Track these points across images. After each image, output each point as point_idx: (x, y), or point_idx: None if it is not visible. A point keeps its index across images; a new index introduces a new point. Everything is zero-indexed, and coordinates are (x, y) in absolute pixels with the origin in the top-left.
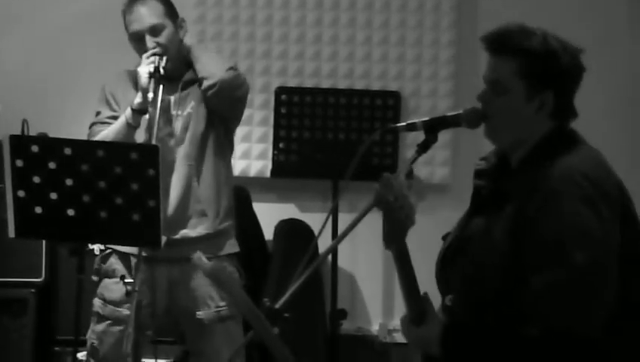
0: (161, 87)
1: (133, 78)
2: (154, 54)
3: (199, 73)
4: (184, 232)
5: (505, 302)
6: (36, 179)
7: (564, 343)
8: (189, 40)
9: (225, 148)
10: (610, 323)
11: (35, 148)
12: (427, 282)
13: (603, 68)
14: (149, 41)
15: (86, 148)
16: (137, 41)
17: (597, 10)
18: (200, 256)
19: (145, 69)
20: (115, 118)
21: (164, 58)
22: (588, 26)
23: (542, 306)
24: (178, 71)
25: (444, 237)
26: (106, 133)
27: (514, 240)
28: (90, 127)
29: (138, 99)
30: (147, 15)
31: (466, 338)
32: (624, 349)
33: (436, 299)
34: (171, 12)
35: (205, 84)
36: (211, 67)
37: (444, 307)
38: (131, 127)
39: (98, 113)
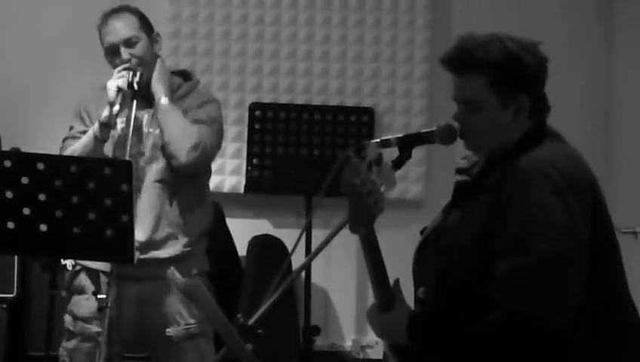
0: (135, 102)
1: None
2: (127, 68)
3: (163, 140)
4: (154, 253)
5: (471, 290)
6: (9, 194)
7: (525, 328)
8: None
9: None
10: (577, 314)
11: (7, 163)
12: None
13: (578, 65)
14: (124, 52)
15: (59, 163)
16: (112, 54)
17: (572, 8)
18: (174, 272)
19: (114, 83)
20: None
21: (138, 73)
22: (562, 23)
23: (505, 290)
24: (147, 71)
25: (421, 232)
26: (75, 147)
27: (484, 229)
28: (63, 142)
29: (105, 112)
30: (122, 28)
31: (431, 326)
32: (588, 341)
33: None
34: (146, 26)
35: (168, 158)
36: (175, 144)
37: (417, 299)
38: (98, 140)
39: (71, 128)
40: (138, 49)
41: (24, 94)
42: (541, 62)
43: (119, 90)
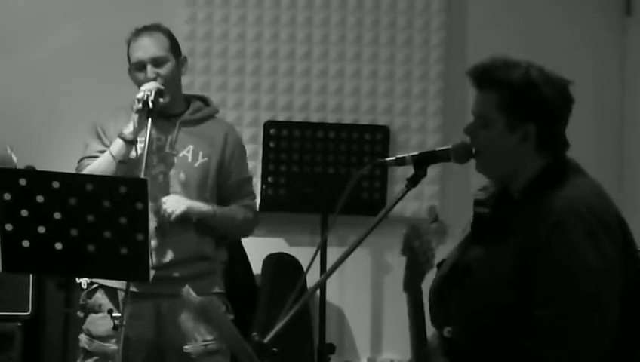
0: (150, 120)
1: (127, 112)
2: (153, 87)
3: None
4: (172, 271)
5: (506, 336)
6: (24, 213)
7: None
8: None
9: None
10: (611, 353)
11: (22, 182)
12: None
13: (594, 92)
14: (150, 71)
15: (74, 181)
16: (138, 70)
17: (587, 37)
18: (189, 291)
19: (139, 96)
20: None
21: (154, 92)
22: (580, 51)
23: (542, 340)
24: (177, 109)
25: (438, 265)
26: (92, 167)
27: (518, 274)
28: (80, 161)
29: (130, 128)
30: (152, 45)
31: None
32: None
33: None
34: (175, 48)
35: None
36: (244, 235)
37: (443, 339)
38: (116, 160)
39: (87, 146)
40: (165, 70)
41: (35, 113)
42: (562, 99)
43: (140, 103)
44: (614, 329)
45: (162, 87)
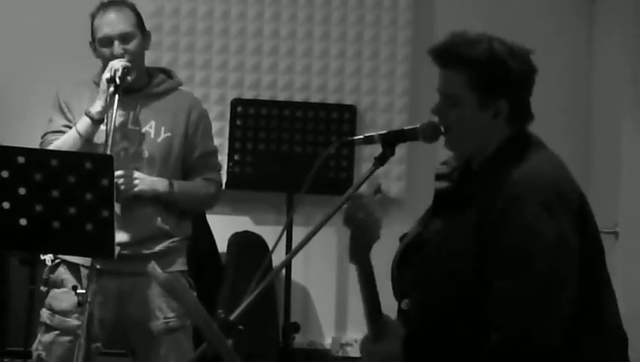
0: (116, 97)
1: (91, 87)
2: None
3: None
4: (137, 249)
5: (464, 307)
6: None
7: (523, 349)
8: None
9: None
10: (570, 327)
11: None
12: (383, 291)
13: (560, 67)
14: (117, 47)
15: (39, 157)
16: (105, 45)
17: (557, 16)
18: (154, 266)
19: (107, 75)
20: (69, 127)
21: (121, 68)
22: (545, 25)
23: (501, 312)
24: (139, 83)
25: (401, 238)
26: (57, 144)
27: (476, 245)
28: (43, 136)
29: (97, 107)
30: (120, 21)
31: (429, 349)
32: (583, 352)
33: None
34: (141, 23)
35: None
36: (205, 208)
37: (400, 311)
38: (84, 138)
39: (50, 120)
40: (132, 45)
41: (4, 89)
42: (528, 71)
43: (109, 81)
44: (572, 303)
45: (130, 65)
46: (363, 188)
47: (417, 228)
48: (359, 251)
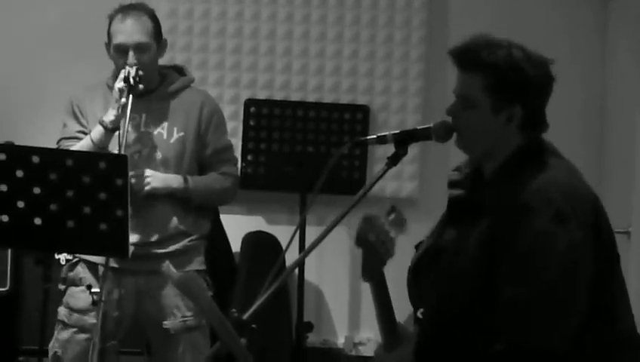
0: (130, 99)
1: (104, 90)
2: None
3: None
4: (154, 249)
5: (474, 317)
6: (3, 188)
7: (527, 358)
8: None
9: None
10: (580, 336)
11: (2, 156)
12: (397, 295)
13: (574, 77)
14: (132, 57)
15: (55, 156)
16: (119, 52)
17: (571, 19)
18: (169, 266)
19: (119, 84)
20: (84, 132)
21: (135, 69)
22: (561, 34)
23: (507, 321)
24: (151, 85)
25: (416, 246)
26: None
27: (487, 255)
28: (58, 142)
29: (111, 116)
30: (136, 31)
31: (437, 356)
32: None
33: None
34: (158, 32)
35: None
36: (220, 203)
37: (416, 319)
38: (97, 146)
39: (65, 125)
40: (146, 57)
41: (17, 90)
42: (545, 79)
43: (122, 91)
44: (582, 313)
45: (142, 74)
46: (375, 194)
47: (432, 237)
48: (372, 269)
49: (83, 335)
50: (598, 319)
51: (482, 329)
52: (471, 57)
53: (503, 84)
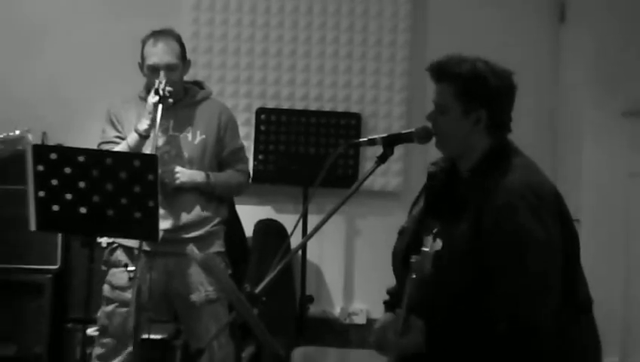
0: (160, 105)
1: (136, 101)
2: (162, 89)
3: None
4: (181, 233)
5: (469, 302)
6: (54, 182)
7: (526, 331)
8: None
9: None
10: (557, 312)
11: (53, 156)
12: (386, 278)
13: (531, 85)
14: (162, 76)
15: (96, 156)
16: (152, 71)
17: (530, 39)
18: (192, 249)
19: (154, 99)
20: (120, 137)
21: (164, 81)
22: (522, 51)
23: (506, 304)
24: (177, 97)
25: (400, 232)
26: None
27: (474, 247)
28: (99, 145)
29: (144, 125)
30: (166, 53)
31: (448, 339)
32: (569, 333)
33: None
34: (183, 53)
35: None
36: (236, 194)
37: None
38: (131, 150)
39: (103, 131)
40: (175, 75)
41: (70, 99)
42: (507, 87)
43: (155, 104)
44: (558, 290)
45: (172, 89)
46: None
47: (413, 224)
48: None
49: (123, 309)
50: (565, 292)
51: (485, 315)
52: (442, 70)
53: (469, 91)
